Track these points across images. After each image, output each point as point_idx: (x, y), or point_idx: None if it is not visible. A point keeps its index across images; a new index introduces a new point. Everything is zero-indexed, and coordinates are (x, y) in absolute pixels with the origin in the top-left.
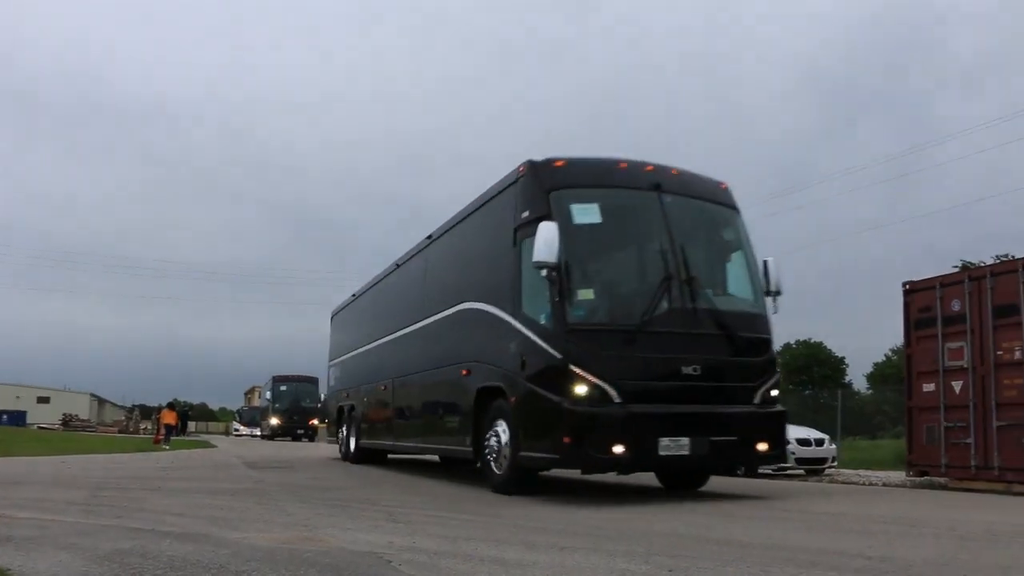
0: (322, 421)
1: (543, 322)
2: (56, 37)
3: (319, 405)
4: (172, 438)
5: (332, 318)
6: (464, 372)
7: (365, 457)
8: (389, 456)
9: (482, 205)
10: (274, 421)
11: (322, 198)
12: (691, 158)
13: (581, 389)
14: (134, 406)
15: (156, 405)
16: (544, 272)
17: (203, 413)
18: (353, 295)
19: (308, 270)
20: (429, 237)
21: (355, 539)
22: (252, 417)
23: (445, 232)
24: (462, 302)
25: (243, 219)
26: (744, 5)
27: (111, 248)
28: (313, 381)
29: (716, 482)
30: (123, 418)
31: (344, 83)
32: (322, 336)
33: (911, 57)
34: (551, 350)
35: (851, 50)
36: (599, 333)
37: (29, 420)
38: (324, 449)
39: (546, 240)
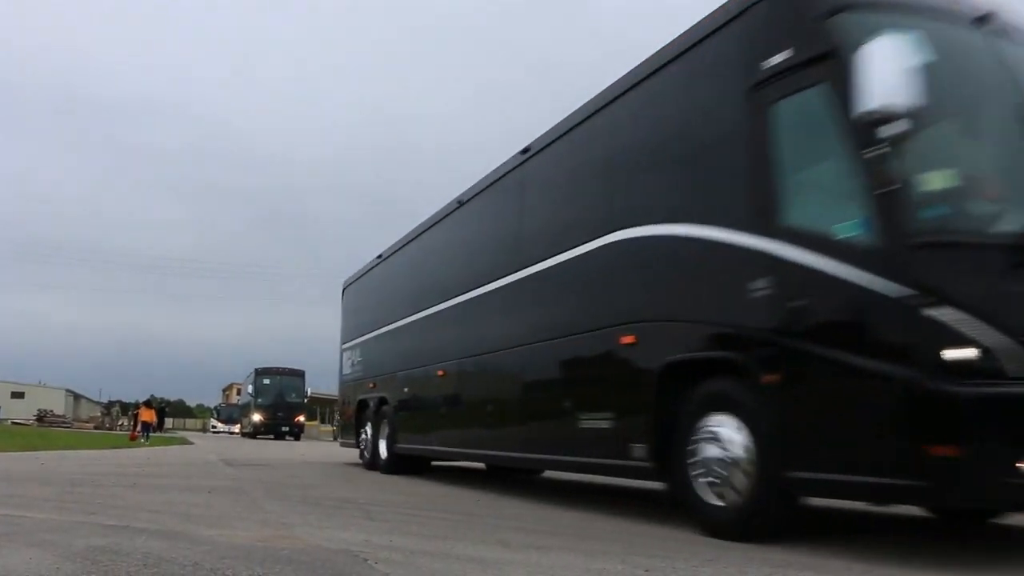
0: (310, 418)
1: (850, 234)
2: (30, 30)
3: (305, 400)
4: (150, 435)
5: (344, 290)
6: (625, 340)
7: (403, 465)
8: (433, 463)
9: (655, 72)
10: (256, 417)
11: (298, 193)
12: None
13: (963, 352)
14: (111, 402)
15: (133, 401)
16: (886, 133)
17: (180, 410)
18: (379, 256)
19: (285, 265)
20: (526, 151)
21: (331, 537)
22: (230, 414)
23: (565, 134)
24: (610, 232)
25: (219, 214)
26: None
27: (85, 242)
28: (299, 375)
29: None
30: (99, 414)
31: (322, 79)
32: (301, 331)
33: None
34: (881, 282)
35: None
36: (971, 251)
37: (2, 416)
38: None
39: (887, 73)
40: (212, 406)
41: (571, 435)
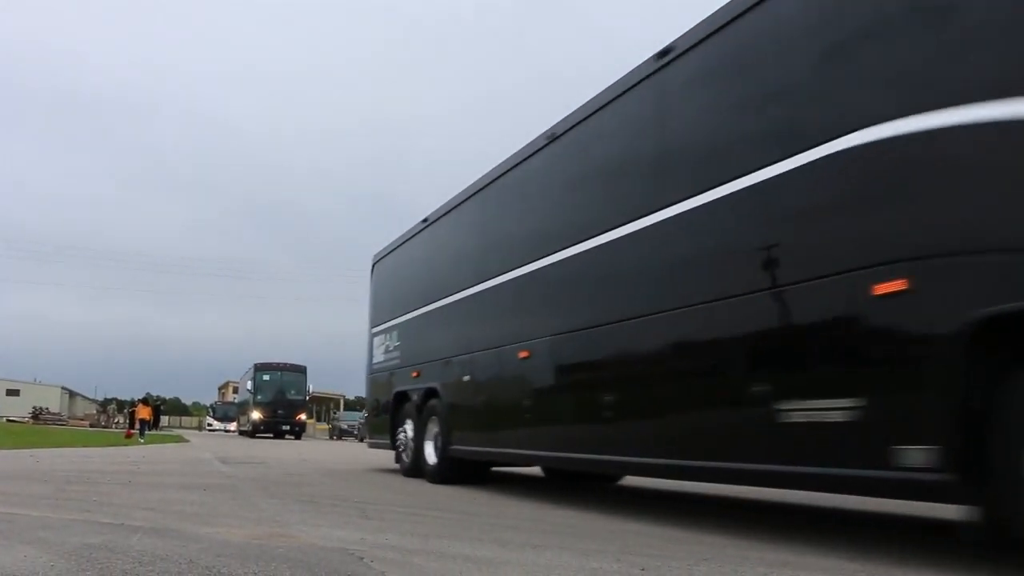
0: (310, 415)
1: None
2: (24, 29)
3: (307, 398)
4: (146, 432)
5: (375, 266)
6: (887, 287)
7: (459, 472)
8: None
9: None
10: (256, 415)
11: (295, 193)
12: None
13: None
14: (106, 400)
15: (129, 399)
16: None
17: (176, 408)
18: (424, 220)
19: (281, 264)
20: (665, 53)
21: (327, 535)
22: (226, 412)
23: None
24: (855, 131)
25: (215, 212)
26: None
27: (80, 240)
28: (300, 370)
29: (689, 483)
30: (95, 412)
31: (320, 79)
32: (296, 330)
33: None
34: None
35: None
36: None
37: None
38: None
39: None
40: (208, 404)
41: (767, 434)
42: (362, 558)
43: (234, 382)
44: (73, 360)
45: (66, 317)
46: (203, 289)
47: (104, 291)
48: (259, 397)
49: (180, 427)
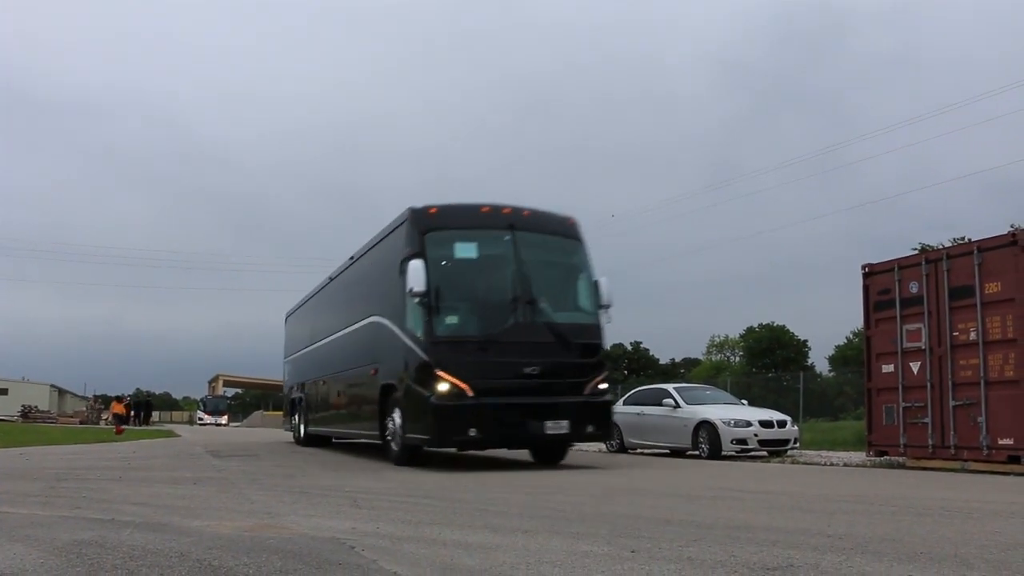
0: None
1: None
2: None
3: (603, 316)
4: (128, 427)
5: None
6: None
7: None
8: None
9: None
10: (442, 387)
11: (270, 191)
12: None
13: None
14: (95, 396)
15: (117, 395)
16: None
17: (167, 403)
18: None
19: (262, 261)
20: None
21: (318, 525)
22: (216, 406)
23: None
24: None
25: (194, 211)
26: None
27: (55, 238)
28: (571, 234)
29: (677, 461)
30: (84, 409)
31: (277, 72)
32: (276, 323)
33: (825, 52)
34: None
35: (770, 44)
36: None
37: None
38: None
39: None
40: (198, 398)
41: None
42: (353, 547)
43: (225, 375)
44: (61, 358)
45: (51, 315)
46: (183, 283)
47: (87, 288)
48: (448, 320)
49: (171, 422)
